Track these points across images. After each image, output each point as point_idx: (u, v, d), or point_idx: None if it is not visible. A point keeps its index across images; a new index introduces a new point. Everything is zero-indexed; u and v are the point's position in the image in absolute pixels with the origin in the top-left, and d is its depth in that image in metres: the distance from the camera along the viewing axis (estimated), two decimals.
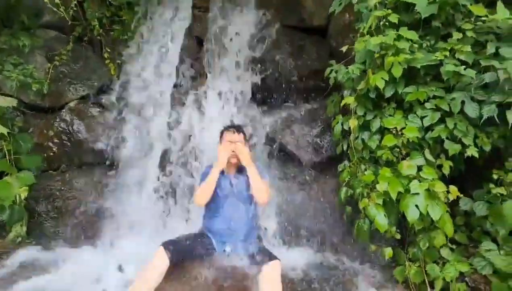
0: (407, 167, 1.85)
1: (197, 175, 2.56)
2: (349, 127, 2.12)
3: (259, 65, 2.88)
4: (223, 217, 2.05)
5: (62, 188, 2.71)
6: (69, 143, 2.80)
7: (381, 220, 1.85)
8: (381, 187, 1.82)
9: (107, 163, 2.78)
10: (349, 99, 2.01)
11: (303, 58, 2.91)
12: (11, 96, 2.69)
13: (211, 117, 2.68)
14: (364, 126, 2.11)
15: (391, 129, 1.90)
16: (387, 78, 1.84)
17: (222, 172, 2.06)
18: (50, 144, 2.78)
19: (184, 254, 1.91)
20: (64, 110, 2.84)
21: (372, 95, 1.99)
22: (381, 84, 1.84)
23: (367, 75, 1.97)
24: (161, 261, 1.80)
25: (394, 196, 1.78)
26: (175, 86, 2.87)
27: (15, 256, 2.32)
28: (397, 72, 1.79)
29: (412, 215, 1.77)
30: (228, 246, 2.03)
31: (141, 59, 2.97)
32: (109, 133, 2.81)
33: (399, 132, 1.85)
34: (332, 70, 2.28)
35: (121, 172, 2.76)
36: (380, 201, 1.91)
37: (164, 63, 2.91)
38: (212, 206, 2.07)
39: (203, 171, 2.19)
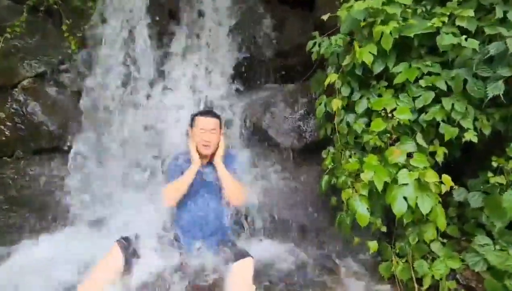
0: (396, 153, 1.63)
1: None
2: (333, 109, 1.88)
3: (237, 41, 2.58)
4: (192, 211, 1.87)
5: (16, 177, 2.44)
6: (23, 127, 2.49)
7: (363, 212, 1.64)
8: (365, 176, 1.61)
9: (65, 148, 2.51)
10: (333, 77, 1.74)
11: (285, 32, 2.62)
12: None
13: (180, 100, 2.39)
14: (350, 107, 1.87)
15: (379, 112, 1.66)
16: (375, 52, 1.58)
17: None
18: (2, 127, 2.47)
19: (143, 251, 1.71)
20: (17, 89, 2.52)
21: (359, 72, 1.73)
22: (368, 59, 1.59)
23: (353, 48, 1.70)
24: (114, 259, 1.62)
25: (380, 186, 1.57)
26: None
27: None
28: (387, 44, 1.53)
29: (399, 208, 1.57)
30: (197, 242, 1.84)
31: (104, 34, 2.63)
32: (67, 116, 2.52)
33: (389, 115, 1.61)
34: (315, 43, 2.00)
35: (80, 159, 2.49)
36: (365, 192, 1.70)
37: (130, 40, 2.57)
38: (181, 199, 1.85)
39: (170, 164, 1.96)
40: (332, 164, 2.01)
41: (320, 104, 2.03)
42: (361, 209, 1.65)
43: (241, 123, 2.48)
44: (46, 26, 2.73)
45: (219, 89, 2.53)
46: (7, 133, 2.48)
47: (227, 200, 1.83)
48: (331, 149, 2.12)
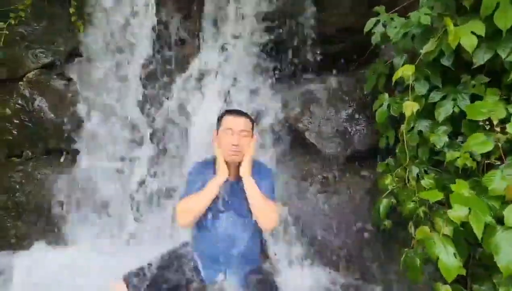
0: (501, 180, 1.14)
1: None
2: (401, 113, 1.39)
3: (270, 22, 2.09)
4: (216, 235, 1.50)
5: (23, 180, 2.20)
6: (30, 125, 2.23)
7: (451, 262, 1.17)
8: (456, 214, 1.13)
9: (75, 148, 2.22)
10: (407, 69, 1.24)
11: (330, 12, 2.09)
12: None
13: (204, 96, 2.00)
14: (424, 111, 1.38)
15: (478, 122, 1.16)
16: (482, 33, 1.06)
17: None
18: (9, 125, 2.23)
19: (154, 288, 1.40)
20: (22, 82, 2.25)
21: (448, 62, 1.22)
22: (470, 43, 1.07)
23: (440, 28, 1.19)
24: None
25: (479, 232, 1.09)
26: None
27: None
28: (505, 20, 1.01)
29: (507, 261, 1.09)
30: (220, 274, 1.50)
31: (112, 15, 2.26)
32: (76, 113, 2.22)
33: (496, 128, 1.10)
34: (377, 21, 1.49)
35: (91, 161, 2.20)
36: (449, 231, 1.23)
37: (137, 24, 2.18)
38: (206, 217, 1.49)
39: (189, 173, 1.56)
40: (394, 185, 1.54)
41: (381, 105, 1.54)
42: (448, 257, 1.17)
43: (273, 124, 2.04)
44: (54, 10, 2.41)
45: (247, 81, 2.08)
46: (14, 132, 2.22)
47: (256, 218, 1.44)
48: (391, 162, 1.65)
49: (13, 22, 2.25)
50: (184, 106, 2.04)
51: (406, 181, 1.51)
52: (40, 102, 2.23)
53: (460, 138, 1.32)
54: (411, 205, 1.44)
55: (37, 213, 2.16)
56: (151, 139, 2.15)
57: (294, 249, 1.78)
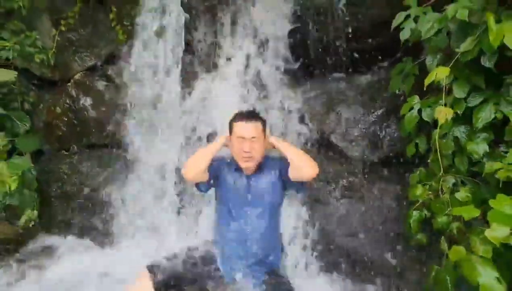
0: None
1: None
2: (434, 118, 1.26)
3: (295, 16, 1.97)
4: (234, 231, 1.52)
5: (69, 172, 2.43)
6: (76, 122, 2.45)
7: (494, 287, 1.04)
8: (494, 234, 1.00)
9: (115, 145, 2.39)
10: (442, 71, 1.11)
11: (362, 5, 1.96)
12: (14, 68, 2.40)
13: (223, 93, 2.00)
14: (463, 116, 1.23)
15: None
16: None
17: (238, 170, 1.51)
18: (59, 123, 2.48)
19: (175, 280, 1.47)
20: (69, 84, 2.48)
21: (488, 63, 1.08)
22: None
23: (480, 24, 1.05)
24: (143, 289, 1.42)
25: None
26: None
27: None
28: None
29: None
30: (238, 273, 1.52)
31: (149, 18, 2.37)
32: (116, 111, 2.38)
33: None
34: (407, 17, 1.36)
35: (129, 156, 2.36)
36: (487, 251, 1.09)
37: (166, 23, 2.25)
38: (224, 212, 1.54)
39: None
40: (426, 195, 1.41)
41: (410, 108, 1.41)
42: (491, 282, 1.04)
43: (297, 125, 1.98)
44: (98, 16, 2.60)
45: (270, 79, 2.02)
46: (63, 128, 2.47)
47: (297, 173, 1.43)
48: (422, 171, 1.51)
49: (63, 29, 2.48)
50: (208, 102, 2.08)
51: (440, 192, 1.38)
52: (84, 102, 2.44)
53: (502, 148, 1.16)
54: (443, 219, 1.32)
55: (80, 203, 2.38)
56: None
57: (311, 255, 1.73)
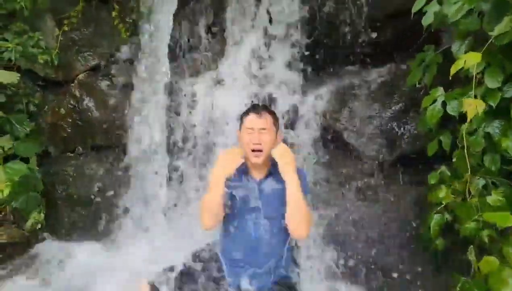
0: None
1: None
2: (461, 112, 1.12)
3: (306, 5, 1.85)
4: (240, 239, 1.41)
5: (74, 174, 2.39)
6: (80, 123, 2.41)
7: None
8: None
9: (119, 145, 2.34)
10: (472, 57, 0.97)
11: None
12: (18, 69, 2.37)
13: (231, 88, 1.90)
14: (497, 109, 1.09)
15: None
16: None
17: (247, 174, 1.40)
18: (63, 124, 2.44)
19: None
20: (73, 84, 2.44)
21: None
22: None
23: None
24: None
25: None
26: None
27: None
28: None
29: None
30: (245, 280, 1.39)
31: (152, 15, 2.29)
32: (120, 111, 2.33)
33: None
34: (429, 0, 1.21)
35: (132, 158, 2.30)
36: None
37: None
38: (230, 218, 1.42)
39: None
40: (451, 198, 1.27)
41: (433, 101, 1.27)
42: None
43: (308, 122, 1.86)
44: (100, 15, 2.55)
45: (279, 74, 1.91)
46: (68, 129, 2.43)
47: (288, 227, 1.31)
48: (445, 171, 1.37)
49: (66, 28, 2.44)
50: (213, 103, 1.99)
51: (467, 195, 1.23)
52: (88, 102, 2.39)
53: None
54: (471, 225, 1.18)
55: (85, 205, 2.33)
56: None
57: (322, 261, 1.61)
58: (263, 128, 1.32)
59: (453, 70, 1.01)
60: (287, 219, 1.29)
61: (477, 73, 1.03)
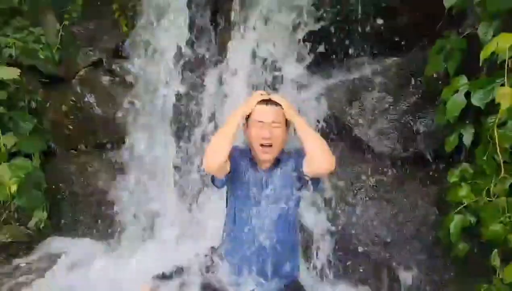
0: None
1: None
2: (487, 103, 1.00)
3: None
4: (244, 236, 1.35)
5: (76, 172, 2.37)
6: (82, 120, 2.37)
7: None
8: None
9: (122, 143, 2.29)
10: (506, 39, 0.85)
11: None
12: (19, 65, 2.33)
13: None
14: None
15: None
16: None
17: (255, 164, 1.34)
18: (65, 121, 2.41)
19: None
20: (74, 80, 2.39)
21: None
22: None
23: None
24: None
25: None
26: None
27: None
28: None
29: None
30: (249, 285, 1.35)
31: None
32: (120, 107, 2.28)
33: None
34: None
35: (135, 155, 2.25)
36: None
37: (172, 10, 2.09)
38: (236, 209, 1.37)
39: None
40: (472, 198, 1.16)
41: (453, 92, 1.15)
42: None
43: (315, 116, 1.76)
44: (101, 9, 2.49)
45: (285, 64, 1.81)
46: (70, 127, 2.39)
47: (310, 165, 1.24)
48: (467, 168, 1.25)
49: (67, 23, 2.39)
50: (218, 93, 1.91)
51: (492, 195, 1.12)
52: (90, 98, 2.35)
53: None
54: (497, 227, 1.07)
55: (88, 203, 2.30)
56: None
57: (332, 262, 1.52)
58: (274, 122, 1.24)
59: (483, 55, 0.90)
60: (307, 157, 1.22)
61: (510, 59, 0.91)
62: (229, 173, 1.31)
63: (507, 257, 1.08)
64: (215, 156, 1.23)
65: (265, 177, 1.32)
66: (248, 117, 1.30)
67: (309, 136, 1.22)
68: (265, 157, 1.27)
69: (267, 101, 1.28)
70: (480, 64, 0.91)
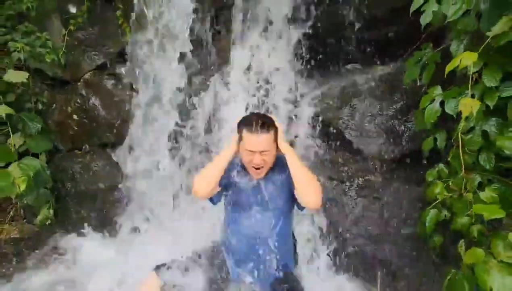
0: None
1: None
2: (458, 112, 1.14)
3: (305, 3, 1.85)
4: (244, 232, 1.45)
5: (82, 171, 2.46)
6: (87, 121, 2.47)
7: None
8: None
9: (125, 144, 2.40)
10: (468, 58, 0.99)
11: None
12: (26, 68, 2.43)
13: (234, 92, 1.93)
14: (494, 108, 1.10)
15: None
16: None
17: (247, 175, 1.43)
18: (71, 122, 2.51)
19: (182, 283, 1.43)
20: (79, 83, 2.49)
21: None
22: None
23: None
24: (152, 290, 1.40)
25: None
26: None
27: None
28: None
29: None
30: (249, 275, 1.46)
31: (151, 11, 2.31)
32: (123, 110, 2.38)
33: None
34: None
35: (137, 154, 2.35)
36: (509, 257, 0.98)
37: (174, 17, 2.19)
38: (232, 215, 1.48)
39: None
40: (445, 194, 1.30)
41: (430, 101, 1.29)
42: (504, 289, 0.94)
43: (309, 120, 1.89)
44: (106, 14, 2.59)
45: (279, 71, 1.92)
46: (75, 127, 2.49)
47: (299, 198, 1.33)
48: (443, 168, 1.39)
49: (72, 28, 2.48)
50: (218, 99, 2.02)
51: (463, 191, 1.26)
52: (94, 100, 2.45)
53: None
54: (464, 220, 1.21)
55: (93, 201, 2.40)
56: None
57: (324, 257, 1.64)
58: (265, 151, 1.30)
59: (448, 68, 1.03)
60: (296, 191, 1.31)
61: (474, 73, 1.05)
62: (220, 191, 1.42)
63: (471, 245, 1.20)
64: (203, 186, 1.34)
65: (259, 182, 1.39)
66: (239, 135, 1.34)
67: (299, 174, 1.28)
68: (258, 176, 1.37)
69: (256, 129, 1.28)
70: (446, 76, 1.05)
